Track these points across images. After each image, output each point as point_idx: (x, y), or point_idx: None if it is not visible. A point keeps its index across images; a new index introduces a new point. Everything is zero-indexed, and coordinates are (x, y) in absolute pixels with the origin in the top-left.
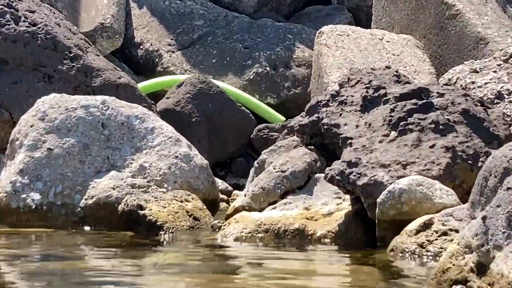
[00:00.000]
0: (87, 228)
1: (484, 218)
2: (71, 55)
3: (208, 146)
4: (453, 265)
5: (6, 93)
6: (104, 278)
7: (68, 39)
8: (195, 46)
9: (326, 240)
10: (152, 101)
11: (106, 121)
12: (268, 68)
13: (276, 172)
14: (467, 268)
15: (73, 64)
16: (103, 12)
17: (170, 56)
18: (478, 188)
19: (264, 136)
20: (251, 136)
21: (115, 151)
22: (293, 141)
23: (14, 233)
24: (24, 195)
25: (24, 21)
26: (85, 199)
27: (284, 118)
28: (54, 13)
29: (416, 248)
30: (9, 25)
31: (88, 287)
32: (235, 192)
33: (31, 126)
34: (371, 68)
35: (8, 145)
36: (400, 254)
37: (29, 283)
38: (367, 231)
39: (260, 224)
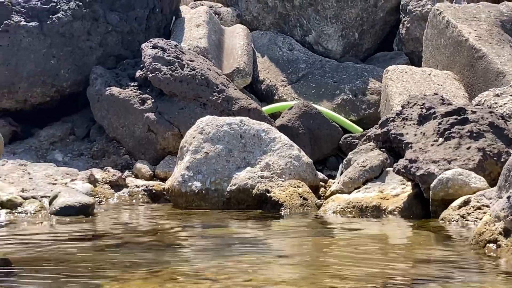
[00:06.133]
0: (233, 205)
1: (509, 198)
2: (218, 89)
3: (310, 150)
4: (487, 230)
5: (176, 115)
6: (245, 239)
7: (216, 78)
8: (300, 81)
9: (395, 213)
10: (272, 119)
11: (243, 134)
12: (350, 96)
13: (359, 167)
14: (496, 232)
15: (220, 95)
16: (238, 60)
17: (283, 88)
18: (504, 177)
19: (348, 142)
20: (340, 142)
21: (249, 154)
22: (370, 145)
23: (184, 212)
24: (190, 183)
25: (187, 67)
26: (230, 186)
27: (362, 130)
28: (206, 61)
29: (459, 218)
30: (177, 70)
31: (234, 247)
32: (330, 180)
33: (194, 137)
34: (424, 95)
35: (179, 150)
36: (448, 223)
37: (193, 241)
38: (424, 207)
39: (349, 202)
